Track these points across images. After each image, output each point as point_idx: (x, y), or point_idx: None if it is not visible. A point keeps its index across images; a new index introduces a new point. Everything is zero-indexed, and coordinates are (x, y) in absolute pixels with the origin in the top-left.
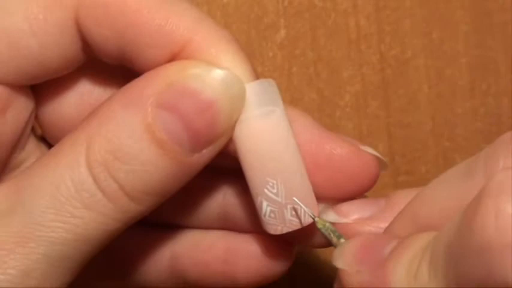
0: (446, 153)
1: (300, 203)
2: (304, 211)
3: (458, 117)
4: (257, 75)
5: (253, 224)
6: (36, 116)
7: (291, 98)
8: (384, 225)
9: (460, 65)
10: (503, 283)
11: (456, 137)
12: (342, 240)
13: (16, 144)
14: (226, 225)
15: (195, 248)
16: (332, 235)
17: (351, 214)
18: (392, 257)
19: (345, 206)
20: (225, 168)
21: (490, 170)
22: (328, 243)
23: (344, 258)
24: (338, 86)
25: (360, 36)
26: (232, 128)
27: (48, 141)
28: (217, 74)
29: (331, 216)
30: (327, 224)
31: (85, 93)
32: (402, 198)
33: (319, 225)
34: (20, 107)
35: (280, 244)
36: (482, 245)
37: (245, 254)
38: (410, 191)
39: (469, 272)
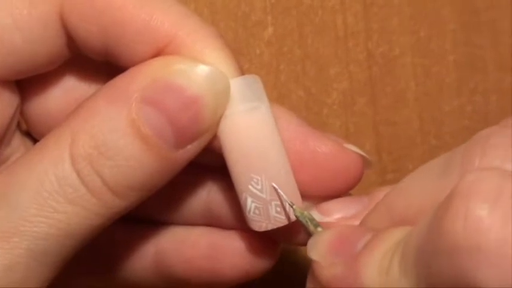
0: (434, 151)
1: (281, 193)
2: (289, 208)
3: (446, 115)
4: (243, 72)
5: (238, 221)
6: (21, 111)
7: (278, 95)
8: None
9: (447, 62)
10: (473, 284)
11: (443, 134)
12: (319, 229)
13: (1, 140)
14: (211, 221)
15: (179, 244)
16: (309, 223)
17: (334, 213)
18: (365, 251)
19: (328, 205)
20: (209, 164)
21: (466, 168)
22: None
23: (318, 250)
24: (325, 84)
25: (347, 33)
26: (217, 124)
27: (33, 136)
28: (202, 69)
29: (314, 215)
30: (305, 213)
31: (70, 88)
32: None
33: (297, 213)
34: (5, 102)
35: (264, 241)
36: (452, 246)
37: (229, 251)
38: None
39: (439, 272)
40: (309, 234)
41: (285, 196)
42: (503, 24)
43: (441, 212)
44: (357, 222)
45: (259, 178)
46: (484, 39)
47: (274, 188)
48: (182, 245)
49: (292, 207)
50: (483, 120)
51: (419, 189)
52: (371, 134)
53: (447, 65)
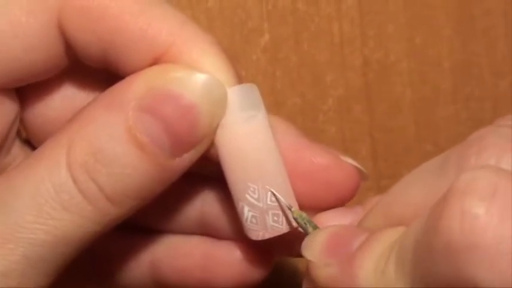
0: (429, 157)
1: (279, 196)
2: (286, 217)
3: (441, 121)
4: (241, 79)
5: (233, 231)
6: (21, 119)
7: (275, 102)
8: None
9: (443, 69)
10: (471, 283)
11: (439, 141)
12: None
13: (1, 148)
14: (206, 231)
15: (173, 253)
16: (308, 225)
17: (329, 223)
18: (361, 251)
19: (323, 216)
20: (206, 173)
21: (462, 168)
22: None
23: (313, 249)
24: (321, 90)
25: (343, 40)
26: (214, 132)
27: (33, 144)
28: (199, 78)
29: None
30: (303, 215)
31: (69, 96)
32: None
33: (295, 215)
34: (5, 110)
35: (259, 252)
36: (448, 246)
37: (223, 261)
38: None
39: (436, 272)
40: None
41: (283, 199)
42: (498, 31)
43: (437, 211)
44: None
45: (256, 187)
46: (479, 45)
47: (272, 192)
48: (177, 254)
49: (290, 209)
50: (478, 126)
51: (415, 189)
52: (367, 140)
53: (443, 72)
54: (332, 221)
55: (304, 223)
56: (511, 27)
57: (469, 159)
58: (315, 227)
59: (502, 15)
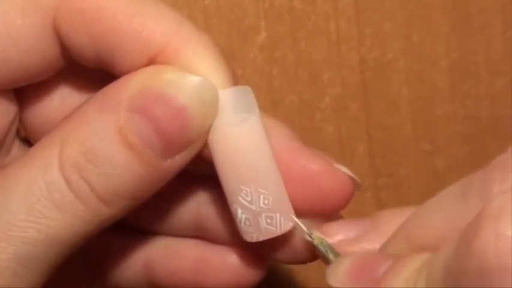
0: (426, 156)
1: (299, 222)
2: (280, 220)
3: (438, 119)
4: (237, 79)
5: (228, 233)
6: (20, 118)
7: (272, 101)
8: (368, 246)
9: (440, 67)
10: None
11: (436, 139)
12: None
13: (1, 148)
14: (200, 233)
15: (166, 255)
16: (329, 252)
17: (336, 234)
18: (387, 277)
19: (330, 226)
20: (202, 173)
21: (486, 193)
22: (312, 258)
23: (338, 276)
24: (318, 89)
25: (340, 38)
26: (205, 134)
27: (32, 144)
28: (191, 80)
29: (316, 234)
30: (324, 242)
31: (67, 95)
32: (387, 219)
33: (317, 242)
34: (3, 111)
35: (252, 257)
36: (482, 268)
37: (216, 265)
38: (395, 212)
39: None
40: (327, 262)
41: (302, 226)
42: (495, 28)
43: (470, 234)
44: (358, 245)
45: (249, 190)
46: (476, 43)
47: (293, 219)
48: (170, 256)
49: (310, 236)
50: (476, 125)
51: (437, 215)
52: (364, 139)
53: (440, 70)
54: (338, 232)
55: (325, 250)
56: (507, 24)
57: (493, 186)
58: (337, 255)
59: (498, 13)
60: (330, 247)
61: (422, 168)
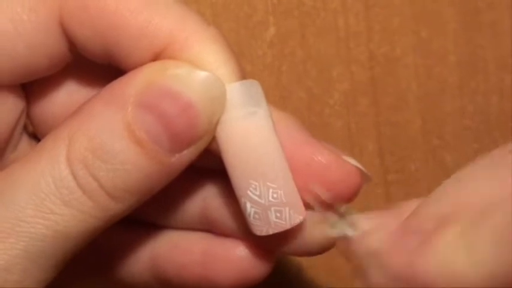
0: (436, 152)
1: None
2: (289, 213)
3: (448, 115)
4: (245, 74)
5: (236, 226)
6: (27, 114)
7: (280, 96)
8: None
9: (449, 63)
10: None
11: (445, 135)
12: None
13: (8, 143)
14: (208, 226)
15: (173, 249)
16: (351, 229)
17: (364, 226)
18: (440, 230)
19: (361, 219)
20: (209, 169)
21: None
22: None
23: (380, 237)
24: (327, 84)
25: (349, 34)
26: (213, 129)
27: (40, 139)
28: (198, 75)
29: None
30: (354, 212)
31: (75, 90)
32: (410, 207)
33: (343, 210)
34: (11, 106)
35: (260, 250)
36: None
37: (223, 259)
38: (416, 202)
39: None
40: (344, 247)
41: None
42: (504, 24)
43: None
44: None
45: (257, 184)
46: (485, 39)
47: (303, 213)
48: (177, 250)
49: (339, 210)
50: (485, 121)
51: (467, 189)
52: (373, 135)
53: (449, 66)
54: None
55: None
56: None
57: None
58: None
59: (507, 9)
60: (358, 219)
61: (432, 163)
